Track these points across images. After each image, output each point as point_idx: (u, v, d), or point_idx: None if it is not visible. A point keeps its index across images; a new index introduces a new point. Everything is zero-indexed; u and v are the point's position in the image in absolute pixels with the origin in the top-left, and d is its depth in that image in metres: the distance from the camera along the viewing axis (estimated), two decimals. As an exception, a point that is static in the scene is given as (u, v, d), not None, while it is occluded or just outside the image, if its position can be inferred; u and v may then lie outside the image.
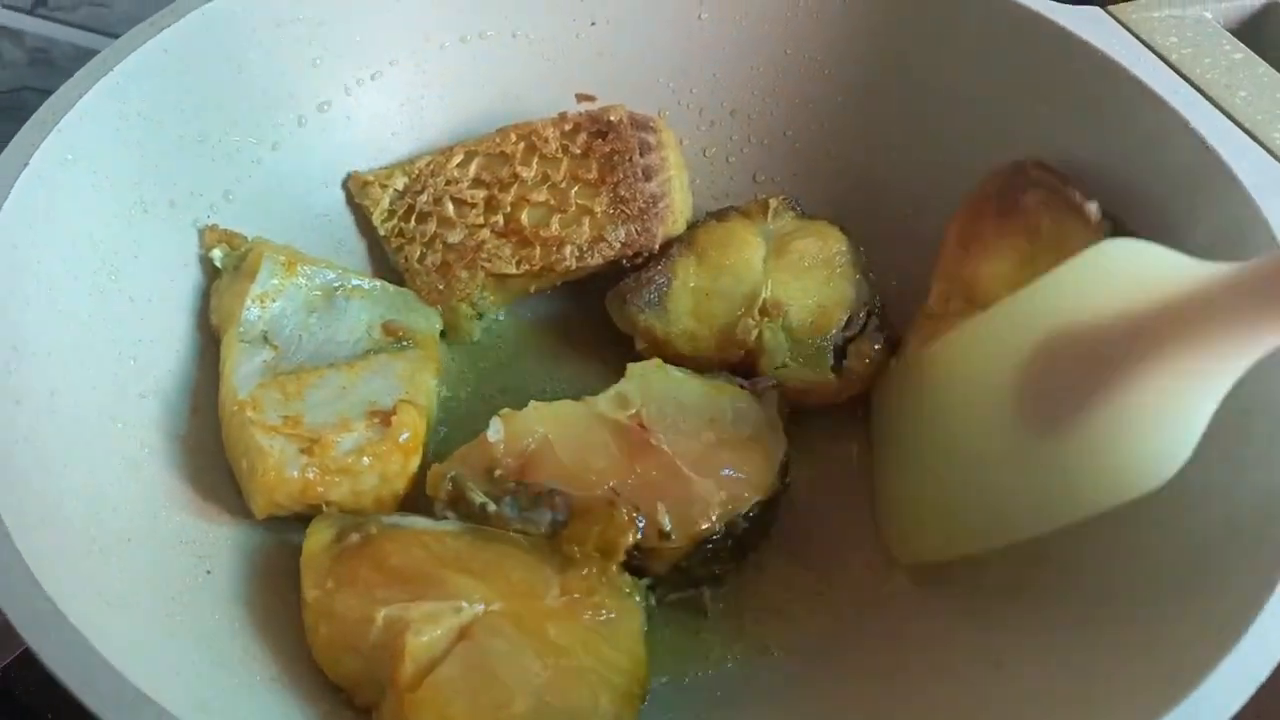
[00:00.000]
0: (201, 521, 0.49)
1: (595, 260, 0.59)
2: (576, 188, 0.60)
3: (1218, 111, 0.52)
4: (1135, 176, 0.53)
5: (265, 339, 0.53)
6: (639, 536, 0.48)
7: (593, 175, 0.60)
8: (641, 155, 0.60)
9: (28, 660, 0.57)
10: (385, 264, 0.62)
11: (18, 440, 0.41)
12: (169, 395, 0.51)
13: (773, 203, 0.62)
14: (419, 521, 0.48)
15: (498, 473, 0.50)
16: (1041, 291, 0.45)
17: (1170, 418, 0.40)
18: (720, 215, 0.62)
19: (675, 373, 0.55)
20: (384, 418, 0.50)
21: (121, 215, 0.51)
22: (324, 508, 0.50)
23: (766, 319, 0.58)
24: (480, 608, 0.45)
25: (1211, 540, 0.43)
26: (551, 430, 0.51)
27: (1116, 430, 0.41)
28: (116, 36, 0.73)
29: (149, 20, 0.53)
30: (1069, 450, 0.43)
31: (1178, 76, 0.54)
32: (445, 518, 0.49)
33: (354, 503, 0.50)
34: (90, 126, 0.49)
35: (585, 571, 0.47)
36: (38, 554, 0.37)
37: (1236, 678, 0.37)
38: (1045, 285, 0.45)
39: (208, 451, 0.51)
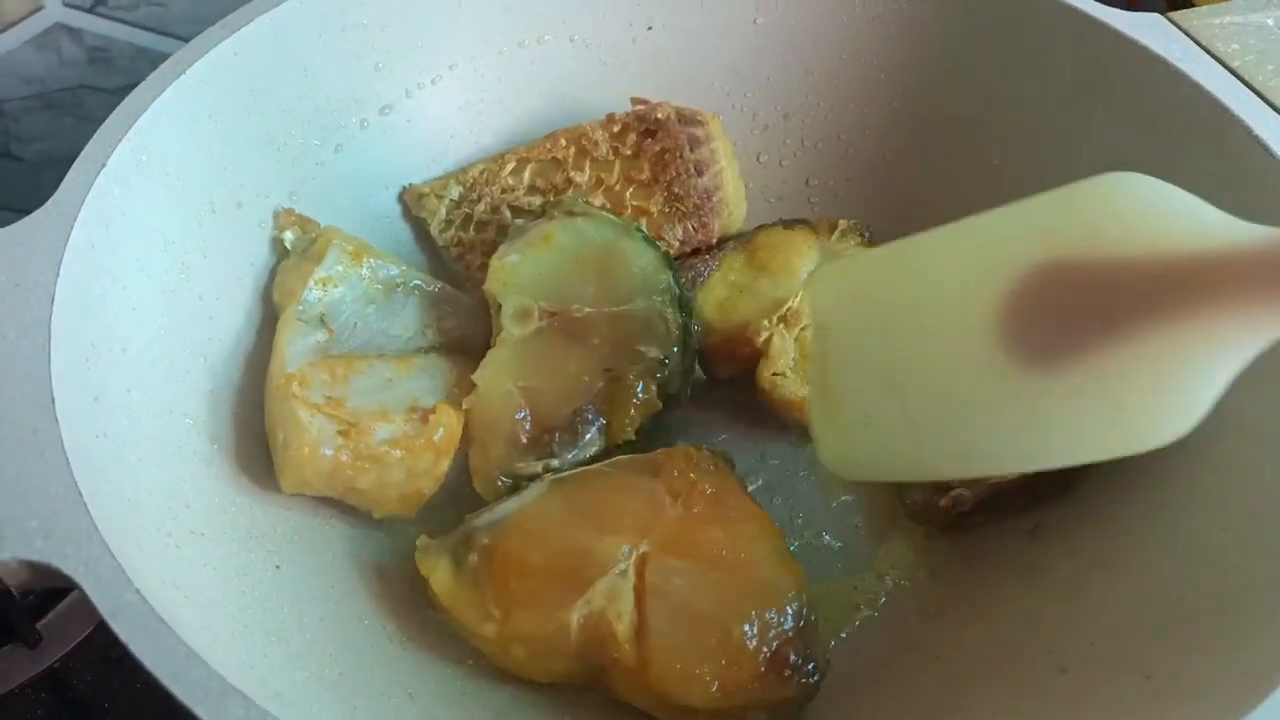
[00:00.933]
0: (270, 517, 0.49)
1: None
2: (631, 189, 0.61)
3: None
4: (1197, 184, 0.53)
5: (322, 321, 0.54)
6: (659, 376, 0.52)
7: (645, 175, 0.60)
8: (691, 150, 0.61)
9: (83, 652, 0.58)
10: (442, 270, 0.62)
11: (97, 434, 0.42)
12: (237, 391, 0.52)
13: (842, 224, 0.62)
14: (507, 507, 0.49)
15: (522, 440, 0.51)
16: (1041, 211, 0.41)
17: (1183, 379, 0.37)
18: (789, 224, 0.62)
19: (513, 258, 0.56)
20: (423, 415, 0.51)
21: (192, 215, 0.52)
22: (347, 497, 0.51)
23: (783, 325, 0.58)
24: (633, 555, 0.46)
25: None
26: (516, 378, 0.52)
27: (1120, 380, 0.38)
28: (175, 35, 0.75)
29: (219, 23, 0.54)
30: (1061, 390, 0.39)
31: (1240, 83, 0.53)
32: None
33: (378, 494, 0.51)
34: (163, 128, 0.50)
35: (676, 472, 0.49)
36: (120, 547, 0.38)
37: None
38: (1047, 205, 0.41)
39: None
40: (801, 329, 0.57)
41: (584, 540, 0.46)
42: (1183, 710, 0.39)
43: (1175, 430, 0.37)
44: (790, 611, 0.46)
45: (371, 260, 0.56)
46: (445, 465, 0.51)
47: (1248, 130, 0.51)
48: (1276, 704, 0.36)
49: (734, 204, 0.62)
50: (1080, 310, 0.38)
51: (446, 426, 0.51)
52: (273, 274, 0.56)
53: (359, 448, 0.49)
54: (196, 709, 0.33)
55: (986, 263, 0.41)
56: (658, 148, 0.60)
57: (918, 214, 0.63)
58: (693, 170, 0.60)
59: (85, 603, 0.57)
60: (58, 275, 0.44)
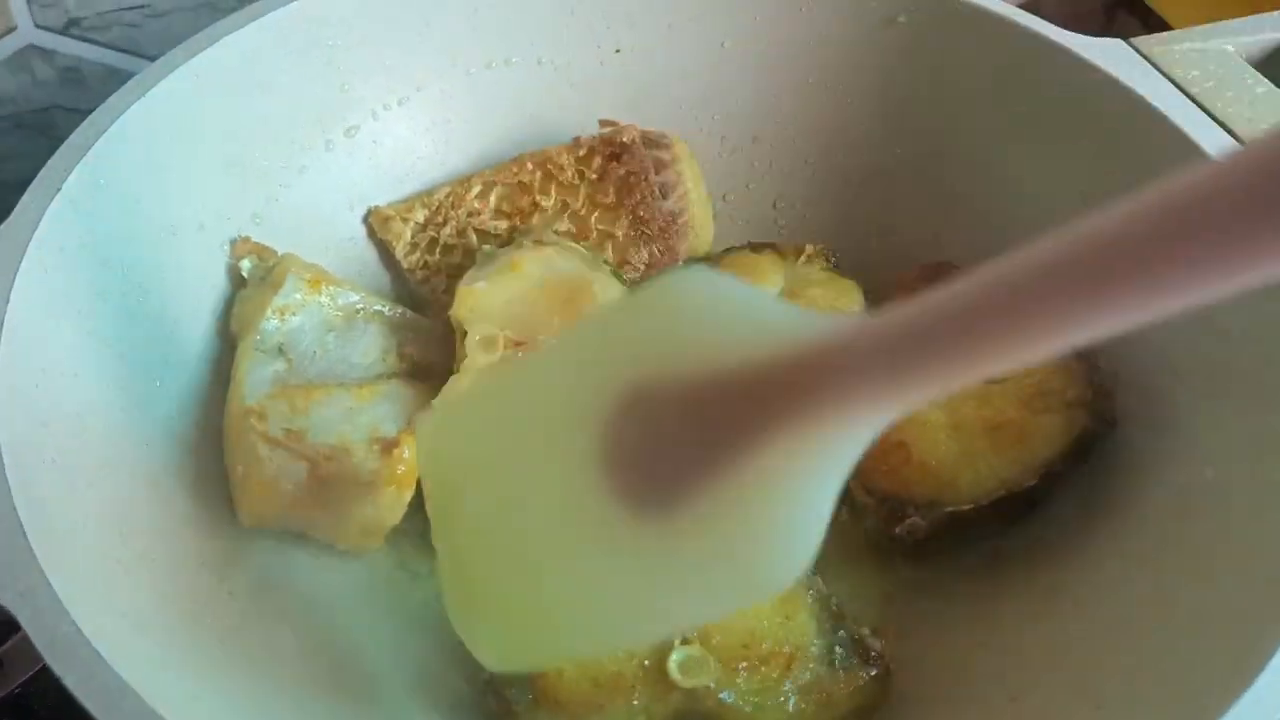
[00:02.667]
0: (222, 544, 0.49)
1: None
2: (596, 213, 0.61)
3: (1240, 146, 0.52)
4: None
5: (280, 350, 0.53)
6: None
7: (610, 199, 0.60)
8: (657, 174, 0.60)
9: (47, 675, 0.58)
10: (406, 294, 0.62)
11: (44, 463, 0.42)
12: (192, 416, 0.51)
13: (809, 249, 0.62)
14: None
15: None
16: (610, 330, 0.37)
17: (797, 502, 0.31)
18: (756, 248, 0.62)
19: (480, 285, 0.55)
20: (385, 445, 0.51)
21: (151, 239, 0.52)
22: (309, 529, 0.50)
23: None
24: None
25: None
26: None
27: (731, 517, 0.32)
28: (147, 56, 0.75)
29: (181, 46, 0.54)
30: (674, 539, 0.33)
31: (1200, 110, 0.53)
32: None
33: (341, 528, 0.50)
34: (122, 152, 0.50)
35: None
36: (63, 577, 0.37)
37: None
38: (613, 323, 0.37)
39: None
40: None
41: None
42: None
43: (795, 567, 0.32)
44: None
45: (330, 288, 0.56)
46: (408, 495, 0.51)
47: (1207, 157, 0.51)
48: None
49: (700, 226, 0.62)
50: (677, 442, 0.33)
51: (409, 460, 0.50)
52: (231, 301, 0.56)
53: (320, 481, 0.49)
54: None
55: (573, 398, 0.36)
56: (623, 171, 0.60)
57: (884, 237, 0.64)
58: (658, 193, 0.60)
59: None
60: (8, 301, 0.44)
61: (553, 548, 0.37)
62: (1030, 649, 0.47)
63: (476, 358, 0.53)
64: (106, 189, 0.49)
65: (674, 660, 0.45)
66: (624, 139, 0.60)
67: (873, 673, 0.46)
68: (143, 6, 0.74)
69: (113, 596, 0.40)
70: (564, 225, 0.60)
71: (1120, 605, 0.46)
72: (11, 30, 0.72)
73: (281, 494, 0.48)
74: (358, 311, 0.56)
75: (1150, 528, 0.47)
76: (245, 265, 0.55)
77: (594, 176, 0.61)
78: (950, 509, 0.50)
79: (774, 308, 0.33)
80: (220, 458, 0.51)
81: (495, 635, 0.40)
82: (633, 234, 0.60)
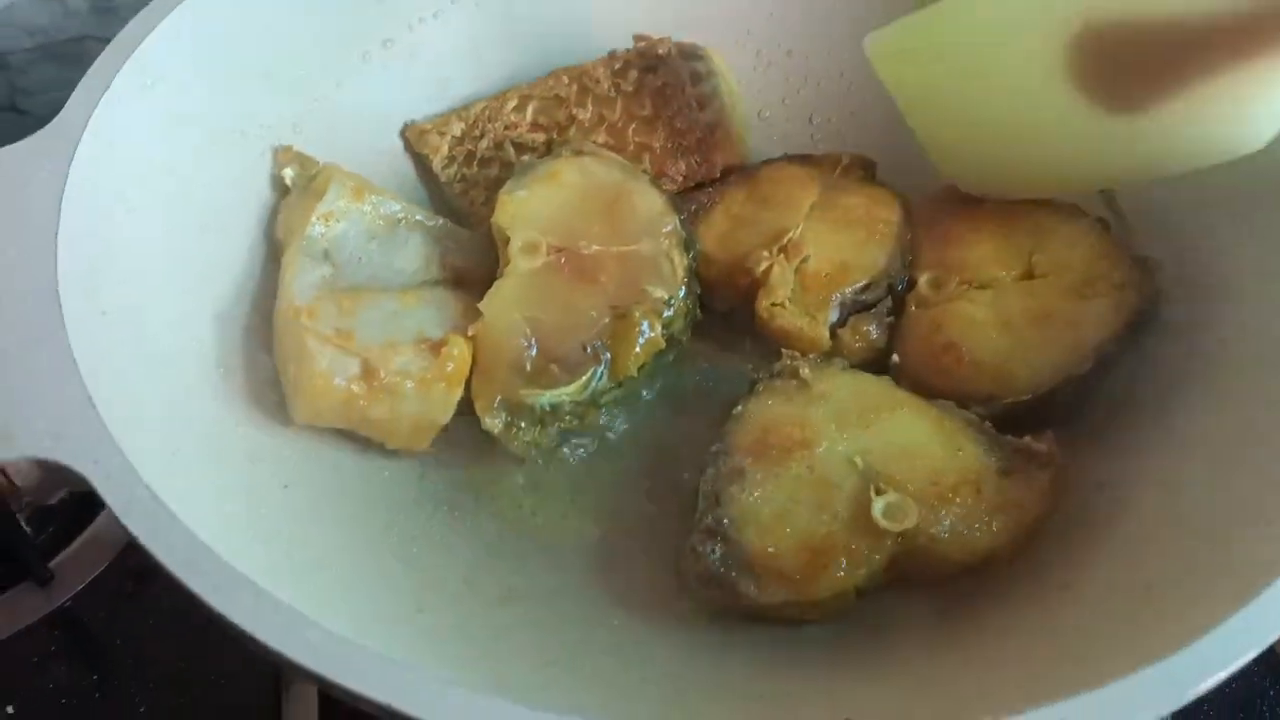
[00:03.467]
0: (275, 439, 0.50)
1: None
2: (633, 125, 0.61)
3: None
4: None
5: (326, 256, 0.54)
6: (664, 315, 0.53)
7: (647, 111, 0.60)
8: (693, 85, 0.61)
9: (95, 590, 0.59)
10: (444, 206, 0.62)
11: (106, 348, 0.42)
12: (242, 316, 0.52)
13: (845, 158, 0.62)
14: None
15: (527, 368, 0.51)
16: None
17: (1256, 106, 0.42)
18: (793, 159, 0.62)
19: (521, 193, 0.56)
20: (433, 346, 0.51)
21: (195, 143, 0.52)
22: (360, 427, 0.51)
23: (783, 255, 0.57)
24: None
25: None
26: (523, 309, 0.52)
27: (1195, 116, 0.43)
28: (178, -14, 0.75)
29: (223, -48, 0.54)
30: (1141, 128, 0.44)
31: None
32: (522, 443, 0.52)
33: (392, 425, 0.51)
34: (166, 54, 0.50)
35: (821, 387, 0.52)
36: (132, 450, 0.38)
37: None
38: None
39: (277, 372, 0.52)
40: (802, 260, 0.57)
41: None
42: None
43: (1263, 138, 0.43)
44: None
45: (373, 197, 0.56)
46: (457, 395, 0.51)
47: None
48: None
49: (738, 137, 0.62)
50: (1141, 62, 0.43)
51: (457, 357, 0.51)
52: (275, 210, 0.56)
53: (370, 379, 0.49)
54: (209, 599, 0.33)
55: (1042, 19, 0.46)
56: (659, 83, 0.60)
57: (921, 151, 0.63)
58: (694, 105, 0.60)
59: (97, 540, 0.60)
60: (62, 193, 0.44)
61: (1028, 130, 0.49)
62: (1078, 542, 0.47)
63: (519, 263, 0.53)
64: (152, 89, 0.50)
65: (877, 509, 0.46)
66: (659, 51, 0.60)
67: (1049, 474, 0.48)
68: (173, -67, 0.74)
69: (178, 479, 0.41)
70: (601, 138, 0.60)
71: (1169, 496, 0.46)
72: (41, -41, 0.72)
73: (334, 390, 0.49)
74: (400, 220, 0.56)
75: (1197, 415, 0.48)
76: (288, 173, 0.56)
77: (630, 89, 0.61)
78: (1010, 400, 0.50)
79: None
80: (269, 361, 0.52)
81: (964, 168, 0.56)
82: (670, 146, 0.60)
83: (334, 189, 0.54)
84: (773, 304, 0.56)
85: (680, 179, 0.60)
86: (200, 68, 0.52)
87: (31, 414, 0.38)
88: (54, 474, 0.37)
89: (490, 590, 0.49)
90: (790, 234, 0.58)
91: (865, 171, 0.62)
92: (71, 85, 0.48)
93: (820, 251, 0.57)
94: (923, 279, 0.56)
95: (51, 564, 0.60)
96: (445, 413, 0.51)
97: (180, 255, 0.50)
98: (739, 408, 0.51)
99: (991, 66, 0.50)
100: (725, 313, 0.59)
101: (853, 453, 0.48)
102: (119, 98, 0.48)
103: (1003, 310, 0.53)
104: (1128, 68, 0.44)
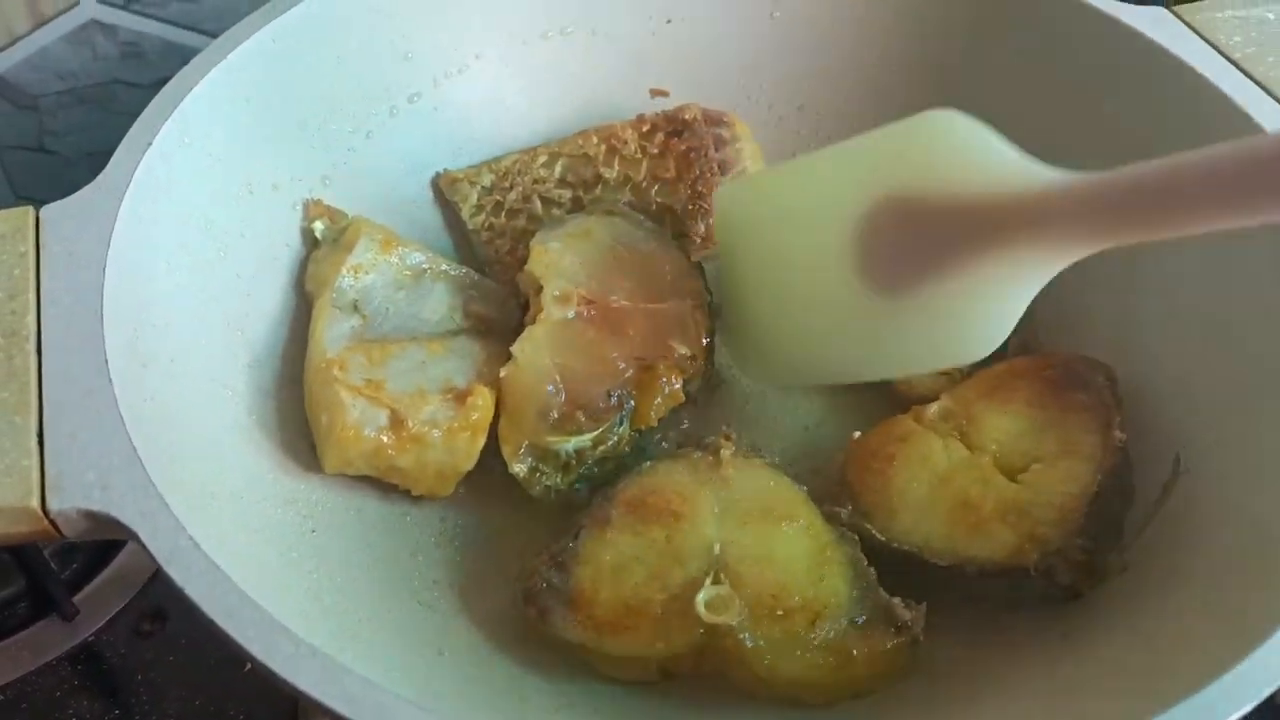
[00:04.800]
0: (303, 484, 0.51)
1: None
2: (656, 186, 0.63)
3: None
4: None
5: (355, 307, 0.55)
6: (685, 373, 0.54)
7: (671, 173, 0.63)
8: (716, 150, 0.63)
9: (117, 625, 0.60)
10: (467, 255, 0.64)
11: (146, 399, 0.44)
12: (273, 364, 0.54)
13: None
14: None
15: (554, 414, 0.53)
16: (879, 149, 0.47)
17: (996, 303, 0.44)
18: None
19: (554, 245, 0.58)
20: (459, 395, 0.53)
21: (230, 196, 0.54)
22: (388, 475, 0.52)
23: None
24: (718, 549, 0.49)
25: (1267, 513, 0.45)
26: (553, 355, 0.54)
27: (946, 306, 0.45)
28: (205, 31, 0.77)
29: (258, 11, 0.56)
30: (902, 315, 0.46)
31: (1242, 75, 0.55)
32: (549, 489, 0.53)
33: (418, 473, 0.52)
34: (205, 111, 0.52)
35: (728, 473, 0.52)
36: (173, 500, 0.39)
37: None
38: (882, 143, 0.47)
39: (305, 420, 0.53)
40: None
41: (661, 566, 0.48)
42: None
43: (992, 344, 0.45)
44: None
45: (400, 248, 0.58)
46: (481, 442, 0.53)
47: (1250, 120, 0.53)
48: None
49: None
50: (914, 243, 0.45)
51: (482, 406, 0.52)
52: (304, 261, 0.58)
53: (400, 428, 0.51)
54: (250, 647, 0.35)
55: (841, 194, 0.48)
56: (684, 147, 0.62)
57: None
58: (716, 169, 0.62)
59: (120, 576, 0.61)
60: (109, 246, 0.46)
61: (811, 304, 0.50)
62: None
63: (552, 311, 0.55)
64: (191, 146, 0.52)
65: (702, 596, 0.47)
66: (686, 116, 0.63)
67: (896, 641, 0.47)
68: (202, -17, 0.76)
69: (211, 526, 0.42)
70: (625, 196, 0.63)
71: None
72: (73, 6, 0.74)
73: (364, 440, 0.50)
74: (425, 271, 0.58)
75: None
76: (318, 227, 0.58)
77: (655, 152, 0.63)
78: (881, 537, 0.51)
79: (1011, 154, 0.43)
80: (297, 409, 0.54)
81: (758, 359, 0.57)
82: (691, 208, 0.62)
83: (363, 241, 0.56)
84: None
85: (699, 240, 0.62)
86: (236, 124, 0.54)
87: (81, 466, 0.39)
88: (102, 525, 0.38)
89: (509, 633, 0.50)
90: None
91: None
92: (98, 128, 0.50)
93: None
94: (942, 402, 0.55)
95: (75, 599, 0.61)
96: (469, 460, 0.53)
97: (215, 306, 0.51)
98: (649, 463, 0.53)
99: (795, 240, 0.52)
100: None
101: (716, 540, 0.49)
102: (160, 154, 0.49)
103: (953, 465, 0.52)
104: (896, 247, 0.46)
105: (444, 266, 0.59)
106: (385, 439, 0.50)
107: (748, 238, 0.56)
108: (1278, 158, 0.36)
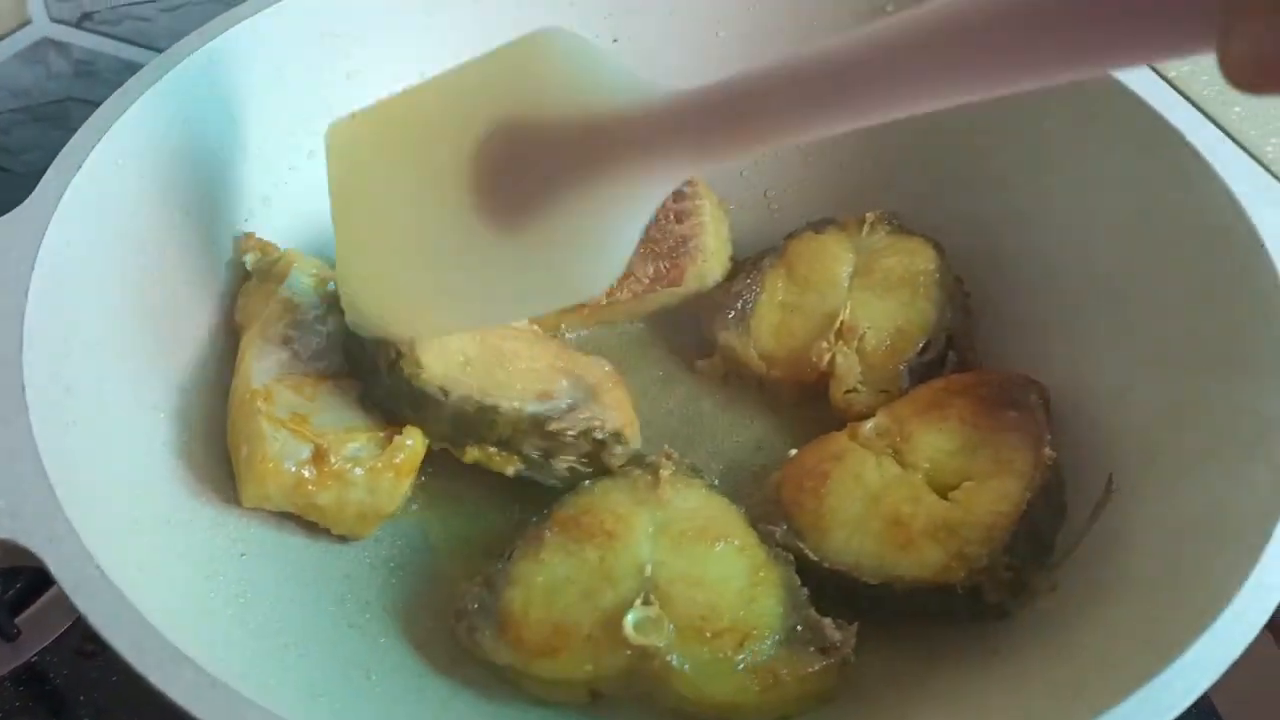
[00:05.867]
0: (234, 509, 0.51)
1: (624, 295, 0.62)
2: None
3: (1212, 125, 0.54)
4: (1129, 187, 0.56)
5: (285, 341, 0.54)
6: None
7: None
8: (674, 201, 0.63)
9: (61, 646, 0.60)
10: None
11: (69, 424, 0.44)
12: (206, 388, 0.54)
13: (869, 216, 0.63)
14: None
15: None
16: (486, 73, 0.45)
17: (612, 233, 0.42)
18: (817, 227, 0.64)
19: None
20: (387, 435, 0.52)
21: (165, 218, 0.54)
22: (307, 512, 0.51)
23: (841, 342, 0.59)
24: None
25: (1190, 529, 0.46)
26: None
27: (563, 239, 0.43)
28: (158, 49, 0.77)
29: (197, 31, 0.56)
30: (519, 250, 0.44)
31: (1175, 93, 0.55)
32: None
33: (338, 513, 0.51)
34: (139, 133, 0.52)
35: (666, 493, 0.52)
36: (86, 530, 0.39)
37: (1213, 653, 0.39)
38: (490, 67, 0.45)
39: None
40: (859, 338, 0.59)
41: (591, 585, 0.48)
42: (1100, 682, 0.41)
43: (603, 283, 0.43)
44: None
45: (332, 283, 0.57)
46: (406, 485, 0.52)
47: (1180, 136, 0.53)
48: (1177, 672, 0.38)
49: (710, 255, 0.63)
50: (525, 171, 0.43)
51: (409, 449, 0.51)
52: (235, 290, 0.58)
53: (321, 465, 0.50)
54: (150, 676, 0.35)
55: (452, 124, 0.45)
56: None
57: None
58: (672, 217, 0.63)
59: (64, 598, 0.61)
60: (32, 270, 0.46)
61: (428, 246, 0.47)
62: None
63: None
64: (124, 168, 0.51)
65: (630, 618, 0.46)
66: None
67: (824, 663, 0.47)
68: (155, 0, 0.77)
69: (133, 551, 0.42)
70: None
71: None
72: (26, 24, 0.74)
73: (284, 474, 0.49)
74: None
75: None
76: (249, 259, 0.57)
77: None
78: (813, 556, 0.51)
79: (618, 73, 0.41)
80: (226, 435, 0.53)
81: (367, 302, 0.51)
82: (642, 250, 0.62)
83: (294, 275, 0.56)
84: (847, 392, 0.58)
85: (647, 280, 0.62)
86: (171, 146, 0.54)
87: (-11, 493, 0.39)
88: (10, 552, 0.38)
89: (441, 655, 0.50)
90: (841, 315, 0.59)
91: (891, 224, 0.63)
92: (52, 145, 0.50)
93: (874, 322, 0.59)
94: (878, 419, 0.55)
95: (18, 619, 0.61)
96: (391, 503, 0.52)
97: (143, 330, 0.51)
98: (588, 483, 0.53)
99: (408, 177, 0.48)
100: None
101: (648, 561, 0.49)
102: (90, 177, 0.49)
103: (887, 485, 0.52)
104: (510, 176, 0.43)
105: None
106: (306, 474, 0.49)
107: (360, 177, 0.51)
108: (853, 61, 0.34)
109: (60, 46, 0.77)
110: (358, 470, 0.50)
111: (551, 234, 0.43)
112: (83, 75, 0.79)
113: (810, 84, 0.36)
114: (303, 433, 0.50)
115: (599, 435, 0.53)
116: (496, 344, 0.55)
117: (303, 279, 0.56)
